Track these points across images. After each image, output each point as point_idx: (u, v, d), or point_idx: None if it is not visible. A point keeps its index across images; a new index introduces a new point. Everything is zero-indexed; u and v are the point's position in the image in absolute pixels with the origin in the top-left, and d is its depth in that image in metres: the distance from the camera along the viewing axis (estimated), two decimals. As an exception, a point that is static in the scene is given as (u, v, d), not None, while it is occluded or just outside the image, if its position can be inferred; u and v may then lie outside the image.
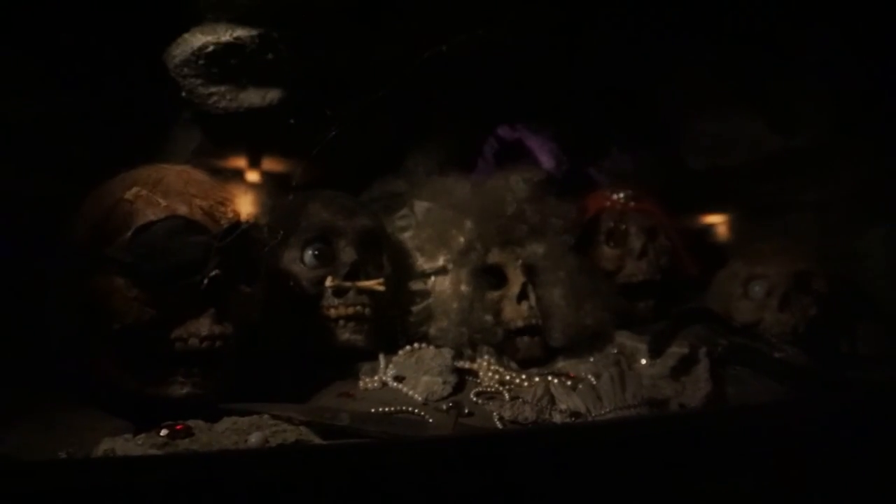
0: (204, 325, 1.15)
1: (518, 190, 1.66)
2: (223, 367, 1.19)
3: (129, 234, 1.13)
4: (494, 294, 1.62)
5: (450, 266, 1.59)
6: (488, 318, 1.58)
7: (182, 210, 1.16)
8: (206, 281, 1.14)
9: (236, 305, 1.20)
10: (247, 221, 1.21)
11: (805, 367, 1.63)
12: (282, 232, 1.37)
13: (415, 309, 1.58)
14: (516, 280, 1.61)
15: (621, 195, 1.97)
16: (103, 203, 1.18)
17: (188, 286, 1.14)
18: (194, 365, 1.16)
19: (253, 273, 1.24)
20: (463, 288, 1.57)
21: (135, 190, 1.17)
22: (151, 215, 1.15)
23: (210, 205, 1.20)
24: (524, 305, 1.59)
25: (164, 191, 1.18)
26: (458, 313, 1.55)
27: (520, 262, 1.63)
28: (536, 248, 1.65)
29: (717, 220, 2.84)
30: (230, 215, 1.21)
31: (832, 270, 1.84)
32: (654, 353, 1.58)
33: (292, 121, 1.42)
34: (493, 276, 1.63)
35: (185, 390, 1.15)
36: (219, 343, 1.15)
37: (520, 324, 1.59)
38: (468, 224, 1.60)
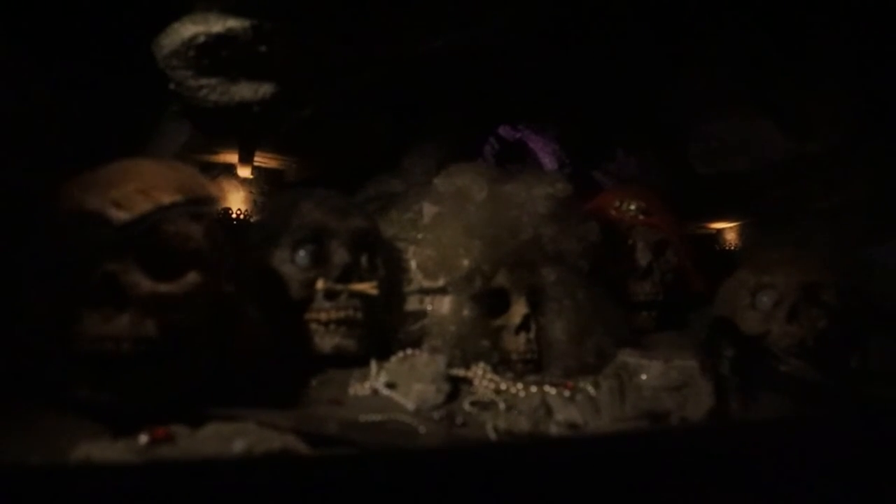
0: (106, 326, 1.06)
1: (540, 206, 1.56)
2: (141, 372, 1.10)
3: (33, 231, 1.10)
4: (495, 322, 1.55)
5: (450, 289, 1.52)
6: (485, 342, 1.51)
7: (90, 203, 1.09)
8: (98, 277, 1.06)
9: (156, 306, 1.10)
10: (163, 210, 1.10)
11: (813, 382, 1.60)
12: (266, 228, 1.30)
13: (409, 329, 1.52)
14: (518, 310, 1.54)
15: (632, 207, 1.90)
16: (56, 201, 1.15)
17: (80, 283, 1.07)
18: (103, 368, 1.08)
19: (178, 270, 1.13)
20: (464, 313, 1.51)
21: (65, 187, 1.13)
22: (58, 210, 1.10)
23: (125, 194, 1.10)
24: (522, 338, 1.53)
25: (86, 183, 1.12)
26: (455, 337, 1.49)
27: (526, 289, 1.55)
28: (548, 274, 1.58)
29: (724, 227, 2.80)
30: (146, 205, 1.09)
31: (843, 282, 1.79)
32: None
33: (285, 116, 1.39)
34: (496, 298, 1.56)
35: (88, 393, 1.08)
36: (126, 346, 1.07)
37: (514, 357, 1.53)
38: (477, 246, 1.51)
